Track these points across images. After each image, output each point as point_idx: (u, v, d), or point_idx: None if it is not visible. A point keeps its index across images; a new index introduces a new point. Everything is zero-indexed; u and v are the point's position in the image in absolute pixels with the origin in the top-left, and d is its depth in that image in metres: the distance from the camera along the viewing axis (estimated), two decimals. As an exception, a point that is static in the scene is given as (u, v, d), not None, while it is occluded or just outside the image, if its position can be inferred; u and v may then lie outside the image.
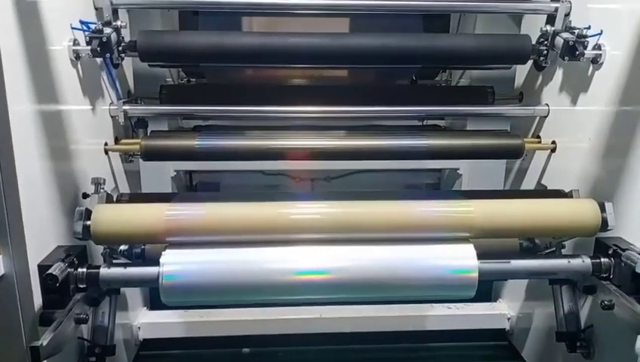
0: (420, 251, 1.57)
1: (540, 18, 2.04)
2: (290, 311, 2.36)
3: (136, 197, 1.76)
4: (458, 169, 2.53)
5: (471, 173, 2.51)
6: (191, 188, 2.79)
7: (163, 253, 1.53)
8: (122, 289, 1.80)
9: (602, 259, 1.61)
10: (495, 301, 2.55)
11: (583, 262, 1.61)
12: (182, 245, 1.55)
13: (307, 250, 1.56)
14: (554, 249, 1.85)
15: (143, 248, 1.83)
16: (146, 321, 2.36)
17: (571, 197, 1.74)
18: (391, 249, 1.58)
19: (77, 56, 1.67)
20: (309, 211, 1.60)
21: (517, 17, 2.33)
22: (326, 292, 1.56)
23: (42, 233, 1.50)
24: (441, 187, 2.96)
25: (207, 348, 2.40)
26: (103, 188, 1.70)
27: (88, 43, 1.68)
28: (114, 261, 1.74)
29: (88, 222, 1.51)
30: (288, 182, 2.89)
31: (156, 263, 1.53)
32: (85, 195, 1.69)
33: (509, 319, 2.44)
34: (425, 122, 2.60)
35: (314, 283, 1.54)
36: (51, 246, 1.54)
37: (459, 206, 1.58)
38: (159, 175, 2.33)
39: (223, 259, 1.52)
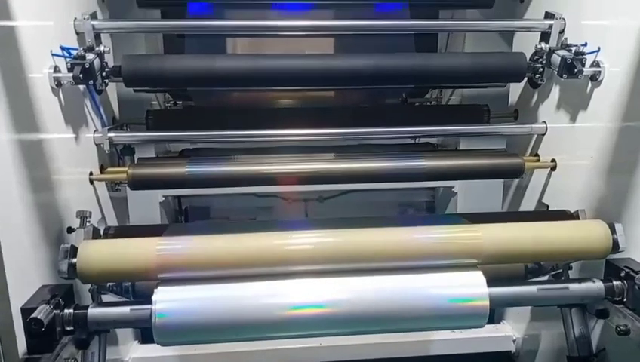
0: (425, 280, 1.50)
1: (532, 35, 2.01)
2: (290, 341, 2.26)
3: (124, 230, 1.67)
4: (453, 187, 2.47)
5: (466, 191, 2.45)
6: (180, 213, 2.71)
7: (155, 290, 1.44)
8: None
9: (614, 282, 1.55)
10: (499, 322, 2.47)
11: (595, 286, 1.56)
12: (174, 281, 1.46)
13: (307, 283, 1.48)
14: (560, 271, 1.80)
15: (132, 283, 1.75)
16: (138, 356, 2.24)
17: (578, 217, 1.69)
18: (394, 278, 1.50)
19: (58, 83, 1.59)
20: (306, 241, 1.52)
21: (508, 35, 2.31)
22: (327, 327, 1.48)
23: (25, 272, 1.40)
24: (435, 205, 2.92)
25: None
26: (89, 222, 1.60)
27: (70, 70, 1.60)
28: (103, 297, 1.66)
29: (74, 260, 1.42)
30: (281, 204, 2.82)
31: (148, 300, 1.44)
32: (70, 229, 1.59)
33: (514, 341, 2.37)
34: (417, 139, 2.56)
35: (314, 319, 1.46)
36: (35, 286, 1.44)
37: (466, 231, 1.52)
38: (147, 201, 2.24)
39: (219, 296, 1.44)
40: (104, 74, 1.75)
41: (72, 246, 1.44)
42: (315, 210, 2.84)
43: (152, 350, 2.25)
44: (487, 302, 1.46)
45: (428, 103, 2.80)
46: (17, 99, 1.39)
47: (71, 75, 1.58)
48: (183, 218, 2.73)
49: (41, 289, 1.43)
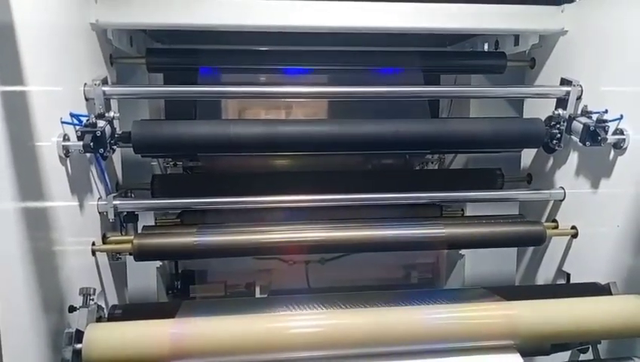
0: (460, 362, 1.40)
1: (544, 101, 2.00)
2: None
3: (131, 309, 1.55)
4: (459, 250, 2.41)
5: (474, 254, 2.39)
6: (176, 278, 2.59)
7: (168, 380, 1.31)
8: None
9: (655, 362, 1.47)
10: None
11: (636, 367, 1.47)
12: (188, 367, 1.34)
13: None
14: (588, 346, 1.71)
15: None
16: None
17: (609, 290, 1.62)
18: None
19: (67, 152, 1.50)
20: (326, 323, 1.41)
21: (515, 100, 2.30)
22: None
23: (23, 358, 1.26)
24: (439, 266, 2.85)
25: None
26: (93, 299, 1.48)
27: (80, 138, 1.51)
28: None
29: (79, 346, 1.29)
30: (281, 266, 2.73)
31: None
32: (72, 308, 1.47)
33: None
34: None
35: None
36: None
37: (501, 310, 1.43)
38: (144, 267, 2.16)
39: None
40: (112, 140, 1.67)
41: (78, 330, 1.32)
42: (316, 272, 2.74)
43: None
44: (528, 388, 1.36)
45: (431, 164, 2.78)
46: (24, 168, 1.30)
47: (81, 143, 1.50)
48: (179, 282, 2.61)
49: (41, 381, 1.30)
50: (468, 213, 2.26)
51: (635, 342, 1.58)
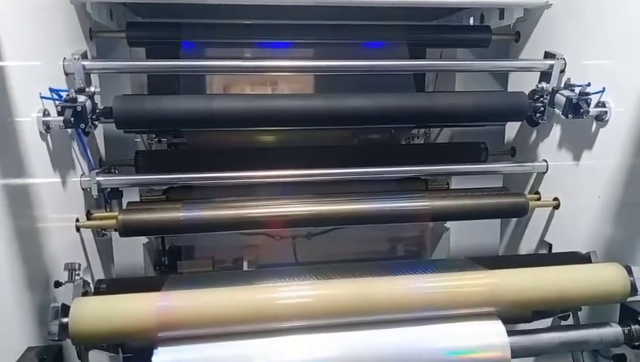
0: (441, 331, 1.42)
1: (529, 74, 2.01)
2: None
3: (117, 284, 1.55)
4: (445, 222, 2.43)
5: (460, 226, 2.42)
6: (163, 254, 2.60)
7: (155, 351, 1.32)
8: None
9: (633, 326, 1.51)
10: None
11: (614, 331, 1.51)
12: (174, 340, 1.35)
13: (315, 339, 1.39)
14: (569, 313, 1.75)
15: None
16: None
17: (589, 260, 1.65)
18: (404, 331, 1.42)
19: (47, 127, 1.48)
20: (310, 294, 1.43)
21: (500, 74, 2.31)
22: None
23: (8, 334, 1.28)
24: (425, 240, 2.88)
25: None
26: (78, 274, 1.48)
27: (60, 113, 1.49)
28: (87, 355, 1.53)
29: (65, 320, 1.29)
30: (268, 242, 2.74)
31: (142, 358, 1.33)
32: (58, 284, 1.47)
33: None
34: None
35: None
36: (20, 350, 1.31)
37: (482, 278, 1.46)
38: (131, 243, 2.16)
39: (223, 357, 1.33)
40: (94, 116, 1.65)
41: (64, 304, 1.32)
42: (304, 246, 2.76)
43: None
44: (508, 353, 1.39)
45: (416, 139, 2.78)
46: (3, 144, 1.29)
47: (61, 118, 1.48)
48: (167, 258, 2.62)
49: (27, 353, 1.30)
50: (453, 187, 2.28)
51: (614, 309, 1.61)
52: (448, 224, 2.47)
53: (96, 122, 1.69)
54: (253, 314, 1.35)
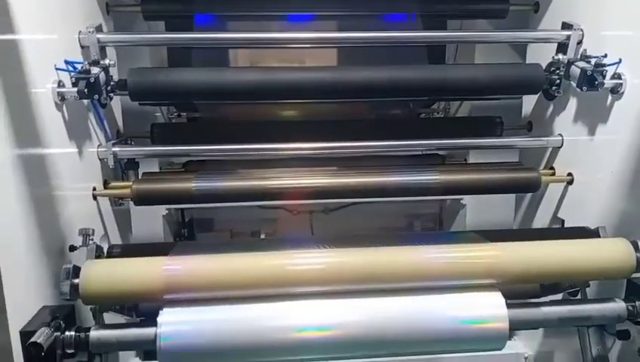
0: (441, 301, 1.44)
1: (547, 46, 1.96)
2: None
3: (129, 249, 1.62)
4: (462, 199, 2.42)
5: (476, 203, 2.40)
6: (183, 226, 2.66)
7: (160, 312, 1.38)
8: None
9: (637, 303, 1.49)
10: (510, 339, 2.40)
11: (618, 307, 1.50)
12: (180, 302, 1.41)
13: (316, 305, 1.43)
14: (578, 289, 1.74)
15: (136, 301, 1.69)
16: (140, 373, 2.19)
17: (598, 235, 1.63)
18: (408, 300, 1.44)
19: (62, 98, 1.54)
20: (315, 261, 1.46)
21: (520, 46, 2.26)
22: (337, 351, 1.42)
23: (25, 293, 1.35)
24: (443, 217, 2.87)
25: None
26: (92, 240, 1.55)
27: (74, 84, 1.54)
28: (105, 316, 1.60)
29: (76, 281, 1.36)
30: (285, 216, 2.77)
31: (152, 322, 1.39)
32: (73, 248, 1.54)
33: (526, 358, 2.30)
34: (424, 151, 2.50)
35: (324, 342, 1.39)
36: (35, 307, 1.38)
37: (484, 250, 1.46)
38: (150, 215, 2.20)
39: (225, 318, 1.38)
40: (109, 88, 1.70)
41: (75, 266, 1.39)
42: (321, 221, 2.78)
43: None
44: (506, 324, 1.40)
45: (436, 114, 2.76)
46: (20, 115, 1.34)
47: (75, 89, 1.53)
48: (186, 230, 2.68)
49: (42, 311, 1.38)
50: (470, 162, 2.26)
51: (623, 286, 1.59)
52: (465, 201, 2.44)
53: (112, 94, 1.74)
54: (257, 278, 1.39)
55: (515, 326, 1.42)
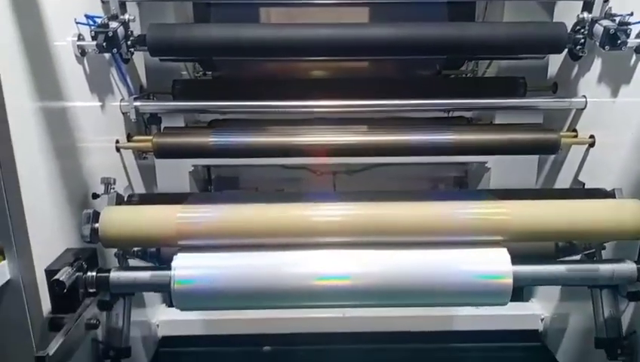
0: (449, 255, 1.46)
1: (576, 5, 1.89)
2: (313, 310, 2.26)
3: (148, 197, 1.70)
4: (486, 163, 2.40)
5: (500, 167, 2.38)
6: (209, 183, 2.73)
7: (175, 256, 1.45)
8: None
9: (648, 264, 1.48)
10: (527, 300, 2.42)
11: (627, 268, 1.49)
12: (195, 248, 1.47)
13: (328, 254, 1.48)
14: (593, 250, 1.72)
15: (158, 248, 1.77)
16: (165, 319, 2.31)
17: (614, 196, 1.61)
18: (417, 253, 1.48)
19: (82, 52, 1.60)
20: (329, 213, 1.51)
21: (548, 5, 2.18)
22: (345, 299, 1.47)
23: (49, 236, 1.43)
24: (468, 181, 2.85)
25: (227, 345, 2.33)
26: (114, 188, 1.63)
27: (94, 38, 1.60)
28: (129, 262, 1.70)
29: (96, 225, 1.44)
30: (309, 176, 2.80)
31: (169, 266, 1.46)
32: (95, 196, 1.62)
33: (542, 320, 2.31)
34: (450, 114, 2.48)
35: (333, 289, 1.45)
36: (60, 249, 1.47)
37: (492, 208, 1.47)
38: (176, 170, 2.24)
39: (237, 264, 1.44)
40: (129, 43, 1.75)
41: (95, 211, 1.47)
42: (344, 182, 2.81)
43: (180, 314, 2.28)
44: (510, 280, 1.41)
45: (463, 76, 2.72)
46: (41, 67, 1.40)
47: (95, 43, 1.59)
48: (212, 188, 2.75)
49: (66, 253, 1.47)
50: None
51: (637, 247, 1.57)
52: (489, 164, 2.42)
53: (132, 49, 1.78)
54: (265, 227, 1.45)
55: (520, 282, 1.43)
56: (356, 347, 2.33)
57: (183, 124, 2.15)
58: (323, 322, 2.25)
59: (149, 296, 2.21)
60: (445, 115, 2.48)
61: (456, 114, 2.46)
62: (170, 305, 2.32)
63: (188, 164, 2.26)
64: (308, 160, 2.47)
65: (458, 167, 2.84)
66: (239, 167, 2.74)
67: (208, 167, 2.68)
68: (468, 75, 2.68)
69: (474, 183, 2.73)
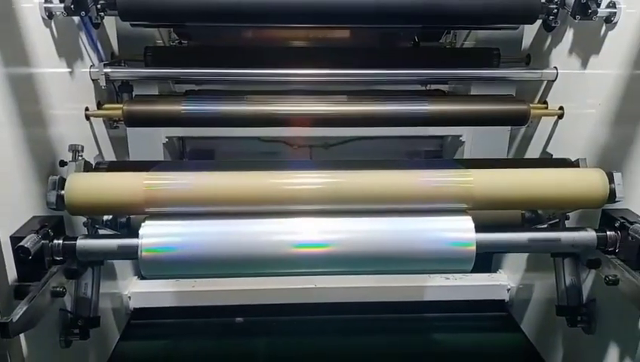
0: (415, 223, 1.49)
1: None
2: (285, 281, 2.30)
3: (117, 165, 1.68)
4: (461, 136, 2.42)
5: (474, 140, 2.40)
6: (183, 155, 2.71)
7: (142, 224, 1.45)
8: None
9: (608, 233, 1.52)
10: (495, 271, 2.48)
11: (588, 235, 1.53)
12: (162, 216, 1.47)
13: (291, 222, 1.49)
14: (557, 220, 1.76)
15: (128, 218, 1.77)
16: (137, 290, 2.32)
17: (578, 166, 1.64)
18: (385, 221, 1.50)
19: (50, 14, 1.56)
20: (296, 181, 1.51)
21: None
22: (311, 266, 1.49)
23: (15, 203, 1.42)
24: (443, 154, 2.87)
25: (200, 317, 2.36)
26: (81, 156, 1.61)
27: (62, 0, 1.56)
28: (98, 232, 1.69)
29: (62, 192, 1.43)
30: (286, 150, 2.80)
31: (137, 234, 1.46)
32: (63, 163, 1.60)
33: (508, 290, 2.38)
34: (428, 87, 2.48)
35: (296, 256, 1.47)
36: (27, 217, 1.46)
37: (457, 176, 1.49)
38: (150, 141, 2.22)
39: (205, 231, 1.45)
40: (99, 6, 1.71)
41: (61, 177, 1.46)
42: (321, 156, 2.80)
43: (152, 286, 2.31)
44: (473, 247, 1.44)
45: (439, 47, 2.71)
46: (6, 30, 1.37)
47: (62, 5, 1.55)
48: (187, 160, 2.73)
49: (32, 220, 1.45)
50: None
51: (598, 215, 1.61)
52: (463, 137, 2.45)
53: (102, 13, 1.74)
54: (231, 194, 1.45)
55: (482, 249, 1.45)
56: (328, 317, 2.37)
57: (155, 93, 2.13)
58: (295, 293, 2.28)
59: (121, 268, 2.21)
60: (423, 88, 2.49)
61: (434, 87, 2.47)
62: (142, 277, 2.36)
63: (162, 135, 2.23)
64: (284, 131, 2.46)
65: (434, 140, 2.85)
66: (215, 140, 2.71)
67: (183, 139, 2.66)
68: (445, 47, 2.68)
69: (449, 156, 2.75)
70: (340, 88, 2.20)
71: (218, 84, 2.35)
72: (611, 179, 1.49)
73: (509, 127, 2.24)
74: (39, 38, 1.54)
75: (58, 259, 1.46)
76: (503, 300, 2.40)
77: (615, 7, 1.61)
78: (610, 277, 1.47)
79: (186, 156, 2.71)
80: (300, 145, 2.83)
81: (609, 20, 1.63)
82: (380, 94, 2.31)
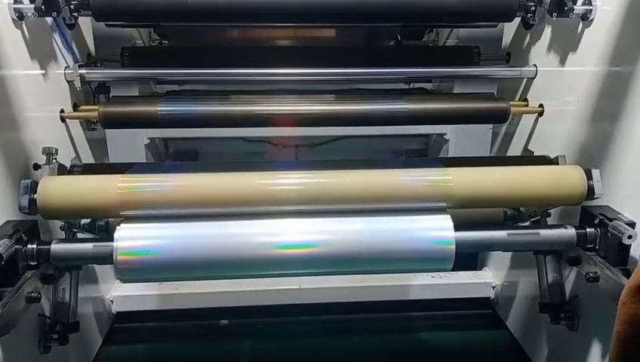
0: (395, 222, 1.47)
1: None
2: (270, 282, 2.28)
3: (92, 167, 1.65)
4: (445, 134, 2.42)
5: (458, 138, 2.41)
6: (167, 157, 2.68)
7: (117, 227, 1.43)
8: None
9: (588, 230, 1.52)
10: (480, 269, 2.48)
11: (567, 233, 1.53)
12: (137, 219, 1.45)
13: (269, 223, 1.47)
14: (539, 218, 1.76)
15: (106, 221, 1.74)
16: (119, 294, 2.29)
17: (557, 163, 1.63)
18: (365, 220, 1.48)
19: (20, 15, 1.52)
20: (276, 181, 1.48)
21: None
22: (294, 267, 1.47)
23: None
24: (428, 152, 2.87)
25: (184, 320, 2.34)
26: (55, 159, 1.58)
27: (32, 0, 1.53)
28: (76, 236, 1.66)
29: (35, 196, 1.40)
30: (271, 150, 2.79)
31: (113, 238, 1.44)
32: (36, 166, 1.57)
33: (493, 287, 2.38)
34: (412, 85, 2.48)
35: (274, 257, 1.45)
36: (-1, 222, 1.44)
37: (436, 175, 1.48)
38: (130, 143, 2.20)
39: (181, 234, 1.42)
40: (72, 6, 1.68)
41: (33, 181, 1.42)
42: (306, 156, 2.80)
43: (134, 289, 2.28)
44: (453, 246, 1.43)
45: (420, 46, 2.70)
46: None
47: (33, 6, 1.52)
48: (170, 161, 2.70)
49: (5, 225, 1.43)
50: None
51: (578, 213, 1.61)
52: (447, 136, 2.45)
53: (76, 13, 1.71)
54: (206, 196, 1.42)
55: (463, 248, 1.45)
56: (312, 318, 2.36)
57: (133, 95, 2.10)
58: (279, 294, 2.26)
59: (102, 272, 2.18)
60: (406, 86, 2.48)
61: (417, 85, 2.47)
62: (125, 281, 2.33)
63: (144, 136, 2.21)
64: (268, 131, 2.44)
65: (419, 139, 2.86)
66: (198, 140, 2.69)
67: (165, 140, 2.63)
68: (428, 45, 2.68)
69: (434, 155, 2.75)
70: (323, 87, 2.19)
71: (199, 85, 2.34)
72: (590, 176, 1.49)
73: (491, 125, 2.25)
74: (9, 39, 1.51)
75: (32, 263, 1.43)
76: (489, 298, 2.40)
77: (591, 4, 1.61)
78: (590, 274, 1.47)
79: (169, 157, 2.69)
80: (285, 145, 2.82)
81: (585, 17, 1.64)
82: (363, 93, 2.30)
